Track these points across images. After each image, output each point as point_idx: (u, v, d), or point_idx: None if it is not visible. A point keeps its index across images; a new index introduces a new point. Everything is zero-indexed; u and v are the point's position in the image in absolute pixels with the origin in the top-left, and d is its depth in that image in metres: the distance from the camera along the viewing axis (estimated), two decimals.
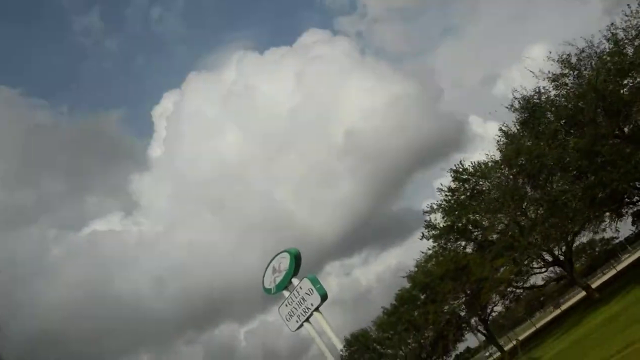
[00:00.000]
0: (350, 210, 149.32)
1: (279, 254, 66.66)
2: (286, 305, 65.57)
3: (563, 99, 30.15)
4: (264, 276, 67.48)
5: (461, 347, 61.82)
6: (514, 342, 60.93)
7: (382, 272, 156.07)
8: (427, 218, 35.96)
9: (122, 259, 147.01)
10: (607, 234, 43.43)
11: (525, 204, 31.76)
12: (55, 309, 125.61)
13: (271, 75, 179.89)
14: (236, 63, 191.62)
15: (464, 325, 40.03)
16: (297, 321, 64.79)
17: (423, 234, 36.56)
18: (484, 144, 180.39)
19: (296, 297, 64.02)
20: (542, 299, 70.36)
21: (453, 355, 50.89)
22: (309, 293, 63.13)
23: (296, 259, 64.63)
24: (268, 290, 67.28)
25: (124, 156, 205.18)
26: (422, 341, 38.75)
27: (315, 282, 63.53)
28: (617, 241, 79.80)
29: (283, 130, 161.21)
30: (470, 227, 33.80)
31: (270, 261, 67.26)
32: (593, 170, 28.40)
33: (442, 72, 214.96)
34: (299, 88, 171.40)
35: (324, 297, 62.69)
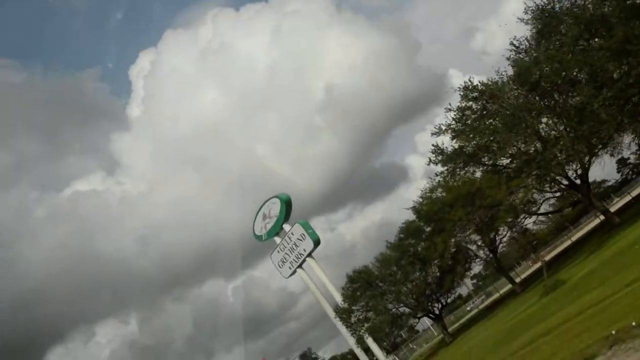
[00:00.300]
0: (332, 166, 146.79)
1: (269, 200, 64.01)
2: (278, 252, 63.46)
3: (582, 3, 27.29)
4: (254, 223, 65.05)
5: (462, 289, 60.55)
6: (535, 264, 58.74)
7: (366, 227, 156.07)
8: (434, 142, 33.43)
9: (105, 218, 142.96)
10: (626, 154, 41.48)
11: (545, 119, 29.10)
12: (39, 270, 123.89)
13: (247, 31, 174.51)
14: (212, 20, 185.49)
15: (472, 256, 38.16)
16: (289, 267, 62.86)
17: (430, 159, 34.12)
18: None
19: (288, 243, 61.84)
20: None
21: (457, 293, 49.41)
22: (301, 239, 60.95)
23: (287, 204, 62.10)
24: (259, 237, 64.98)
25: (102, 115, 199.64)
26: (427, 277, 36.79)
27: (307, 227, 61.28)
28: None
29: (262, 87, 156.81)
30: (480, 152, 31.31)
31: (260, 207, 64.66)
32: (625, 72, 25.80)
33: (420, 26, 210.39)
34: (275, 44, 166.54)
35: (316, 242, 60.60)
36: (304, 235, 60.48)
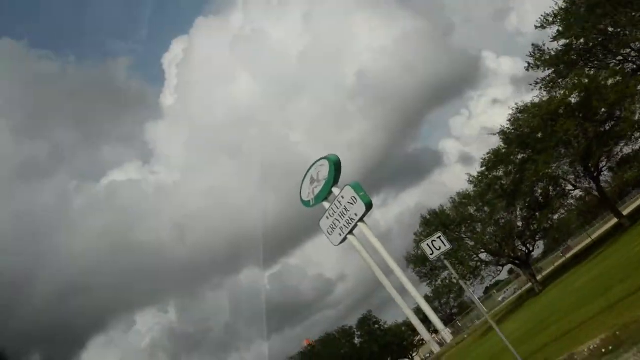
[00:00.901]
0: (365, 152, 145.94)
1: (316, 162, 60.41)
2: (327, 218, 59.83)
3: None
4: (301, 187, 61.55)
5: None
6: None
7: (400, 213, 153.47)
8: (534, 43, 29.01)
9: (142, 208, 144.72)
10: None
11: None
12: (78, 260, 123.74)
13: (279, 17, 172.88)
14: (243, 6, 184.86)
15: (569, 188, 33.60)
16: (340, 234, 59.18)
17: (529, 63, 30.03)
18: (498, 80, 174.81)
19: (338, 208, 58.18)
20: None
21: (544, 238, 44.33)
22: (351, 202, 57.26)
23: (336, 166, 58.44)
24: (306, 203, 61.48)
25: (136, 104, 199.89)
26: (515, 215, 32.64)
27: (358, 189, 57.53)
28: None
29: (294, 73, 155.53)
30: (600, 47, 26.97)
31: (308, 170, 61.08)
32: None
33: (452, 7, 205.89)
34: (307, 29, 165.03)
35: (368, 205, 56.79)
36: (355, 198, 56.77)
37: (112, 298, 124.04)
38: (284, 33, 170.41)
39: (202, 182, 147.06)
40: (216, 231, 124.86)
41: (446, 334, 54.31)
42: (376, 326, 45.58)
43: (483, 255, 33.24)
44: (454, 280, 33.30)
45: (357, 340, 44.68)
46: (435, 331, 57.29)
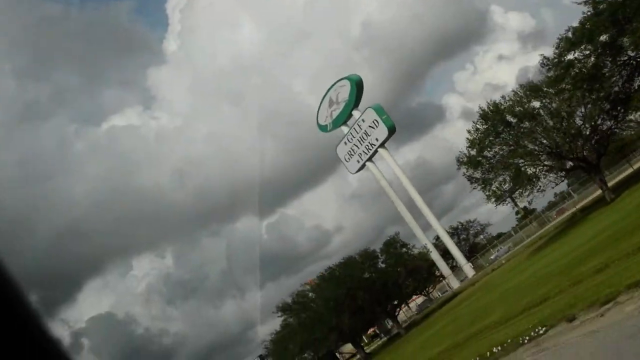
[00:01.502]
0: (369, 103, 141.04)
1: (336, 82, 56.35)
2: (345, 143, 56.30)
3: None
4: (318, 111, 57.69)
5: None
6: None
7: (401, 166, 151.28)
8: None
9: (142, 153, 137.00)
10: None
11: None
12: (77, 203, 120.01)
13: None
14: None
15: None
16: (358, 161, 55.83)
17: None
18: (505, 35, 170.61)
19: (357, 132, 54.56)
20: None
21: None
22: (373, 126, 53.63)
23: (357, 86, 54.52)
24: (323, 128, 57.85)
25: (138, 48, 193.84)
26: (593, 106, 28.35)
27: (380, 112, 53.86)
28: None
29: (299, 21, 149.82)
30: None
31: (327, 92, 57.07)
32: None
33: None
34: None
35: (391, 129, 53.25)
36: (377, 121, 53.22)
37: (109, 243, 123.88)
38: None
39: (203, 129, 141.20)
40: (215, 178, 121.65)
41: (468, 268, 51.53)
42: (404, 249, 42.26)
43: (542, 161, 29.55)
44: (506, 188, 29.46)
45: (381, 265, 41.38)
46: (454, 267, 54.58)
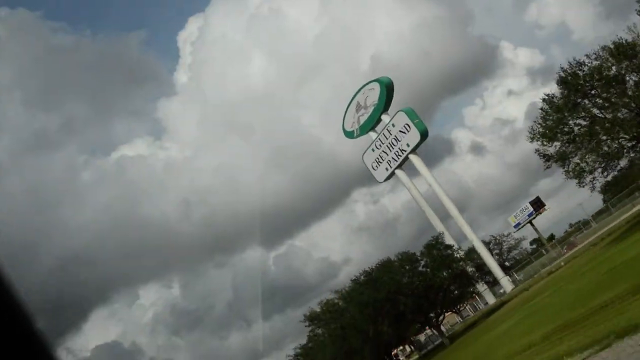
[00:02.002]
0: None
1: (364, 85, 53.79)
2: (373, 150, 53.29)
3: None
4: (344, 116, 54.87)
5: None
6: None
7: (409, 200, 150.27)
8: None
9: (151, 184, 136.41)
10: None
11: None
12: (86, 232, 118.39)
13: None
14: None
15: None
16: (387, 168, 52.69)
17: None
18: (514, 71, 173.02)
19: (387, 138, 51.64)
20: None
21: None
22: (404, 130, 50.71)
23: (387, 89, 51.93)
24: (349, 134, 54.92)
25: (150, 80, 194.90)
26: None
27: (412, 115, 51.11)
28: None
29: (309, 55, 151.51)
30: None
31: (354, 96, 54.32)
32: None
33: None
34: (324, 11, 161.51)
35: (424, 133, 50.34)
36: (408, 125, 50.43)
37: (116, 272, 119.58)
38: (301, 13, 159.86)
39: (212, 161, 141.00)
40: (222, 210, 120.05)
41: (506, 282, 47.69)
42: (448, 251, 38.56)
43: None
44: (587, 164, 25.95)
45: (422, 269, 37.59)
46: (488, 282, 50.66)
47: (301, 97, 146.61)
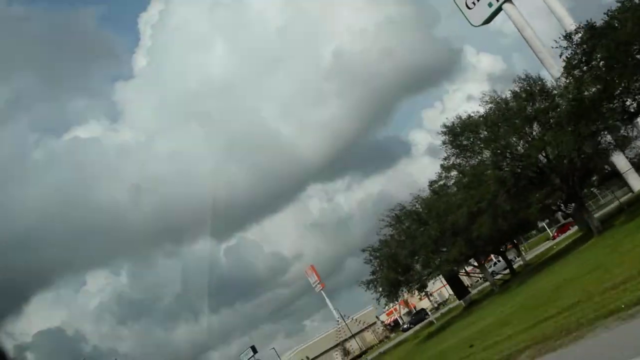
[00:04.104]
0: (335, 134, 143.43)
1: None
2: None
3: None
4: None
5: None
6: None
7: (364, 199, 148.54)
8: None
9: (103, 168, 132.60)
10: None
11: None
12: (32, 213, 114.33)
13: None
14: None
15: None
16: (490, 3, 38.27)
17: None
18: (476, 75, 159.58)
19: None
20: None
21: None
22: None
23: None
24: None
25: (108, 63, 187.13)
26: None
27: None
28: None
29: (271, 47, 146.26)
30: None
31: None
32: None
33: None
34: (288, 3, 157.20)
35: None
36: None
37: (63, 256, 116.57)
38: (265, 4, 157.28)
39: (167, 148, 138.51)
40: (175, 198, 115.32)
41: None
42: None
43: None
44: None
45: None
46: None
47: (261, 88, 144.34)
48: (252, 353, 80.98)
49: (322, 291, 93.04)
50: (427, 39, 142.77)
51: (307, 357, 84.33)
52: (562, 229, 58.60)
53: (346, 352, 78.75)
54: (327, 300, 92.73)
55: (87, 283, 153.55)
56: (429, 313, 67.91)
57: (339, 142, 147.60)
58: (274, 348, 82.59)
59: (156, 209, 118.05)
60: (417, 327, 63.12)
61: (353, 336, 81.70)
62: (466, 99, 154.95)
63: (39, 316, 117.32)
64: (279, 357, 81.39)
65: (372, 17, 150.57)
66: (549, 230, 68.44)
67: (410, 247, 36.48)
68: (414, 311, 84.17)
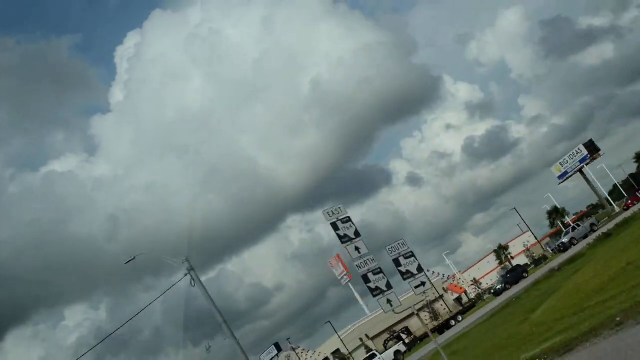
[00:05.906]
0: (314, 164, 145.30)
1: None
2: None
3: None
4: None
5: None
6: None
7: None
8: None
9: (80, 201, 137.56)
10: None
11: None
12: (8, 247, 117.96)
13: (238, 18, 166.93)
14: (202, 3, 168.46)
15: None
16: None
17: None
18: (454, 104, 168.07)
19: None
20: None
21: None
22: None
23: None
24: None
25: (85, 98, 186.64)
26: None
27: None
28: None
29: (248, 77, 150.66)
30: None
31: None
32: None
33: (418, 28, 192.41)
34: (266, 33, 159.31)
35: None
36: None
37: (41, 291, 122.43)
38: (242, 35, 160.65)
39: (145, 180, 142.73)
40: (153, 231, 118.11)
41: None
42: None
43: None
44: None
45: None
46: None
47: (239, 119, 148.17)
48: (275, 351, 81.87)
49: (349, 283, 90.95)
50: (405, 68, 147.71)
51: (367, 335, 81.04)
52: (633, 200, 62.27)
53: (434, 314, 67.80)
54: (356, 294, 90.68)
55: (65, 318, 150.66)
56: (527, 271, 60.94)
57: (318, 171, 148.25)
58: (329, 321, 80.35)
59: (134, 242, 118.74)
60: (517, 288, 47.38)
61: (440, 297, 72.50)
62: (445, 127, 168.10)
63: (16, 353, 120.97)
64: (336, 331, 79.00)
65: (349, 45, 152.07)
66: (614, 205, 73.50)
67: None
68: (509, 267, 75.63)
